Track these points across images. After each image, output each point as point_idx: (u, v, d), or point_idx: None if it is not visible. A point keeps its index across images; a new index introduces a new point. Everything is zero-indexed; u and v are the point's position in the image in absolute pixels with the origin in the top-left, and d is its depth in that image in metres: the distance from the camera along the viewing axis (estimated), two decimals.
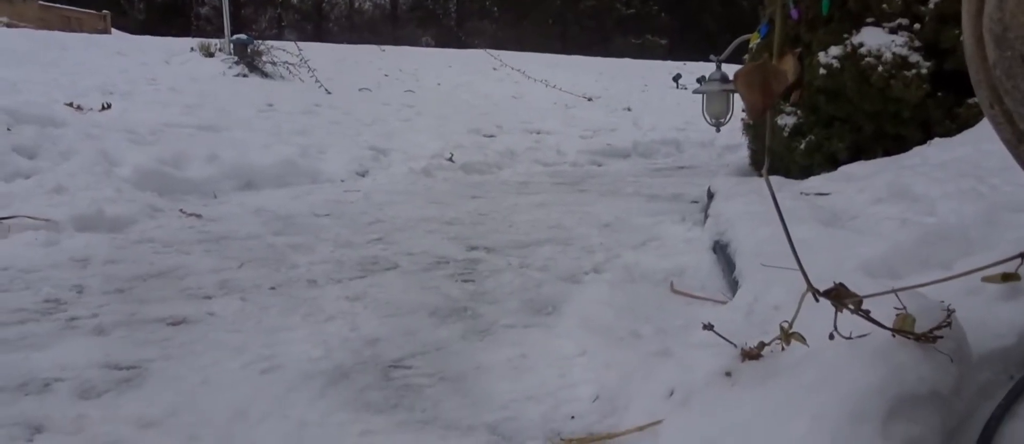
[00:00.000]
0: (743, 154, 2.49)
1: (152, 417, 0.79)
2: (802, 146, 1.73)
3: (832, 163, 1.75)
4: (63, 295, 1.26)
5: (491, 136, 4.73)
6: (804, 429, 0.57)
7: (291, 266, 1.49)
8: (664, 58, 16.75)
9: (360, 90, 6.74)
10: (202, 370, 0.91)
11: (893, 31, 1.65)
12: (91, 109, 3.92)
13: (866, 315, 0.64)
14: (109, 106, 4.02)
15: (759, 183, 1.84)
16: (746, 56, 2.29)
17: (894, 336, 0.64)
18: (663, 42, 20.24)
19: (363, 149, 3.57)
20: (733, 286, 1.17)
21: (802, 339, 0.67)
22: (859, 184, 1.46)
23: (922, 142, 1.58)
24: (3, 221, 1.67)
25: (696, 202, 2.66)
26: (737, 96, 2.87)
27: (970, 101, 1.56)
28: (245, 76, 6.96)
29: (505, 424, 0.76)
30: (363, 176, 3.21)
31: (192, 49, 8.49)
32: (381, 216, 2.16)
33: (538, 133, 5.03)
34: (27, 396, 0.84)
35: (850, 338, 0.63)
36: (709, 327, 0.89)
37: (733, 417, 0.64)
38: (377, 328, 1.07)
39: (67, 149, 2.27)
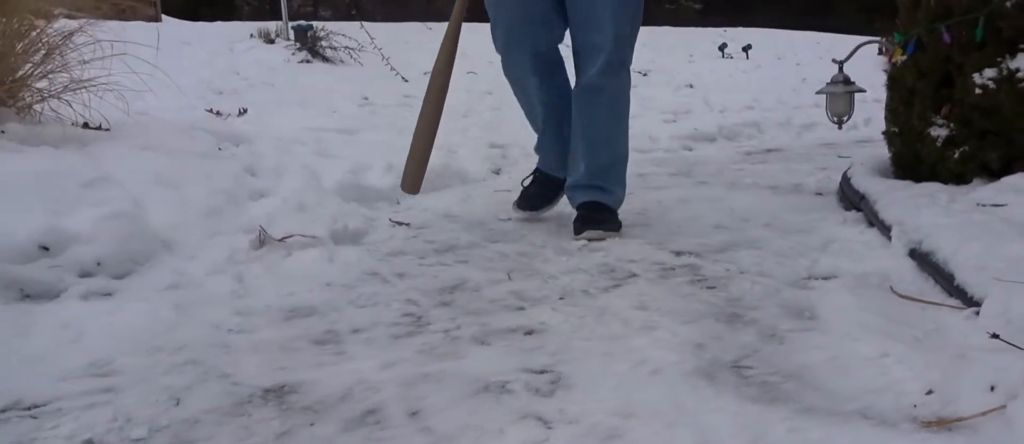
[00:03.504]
0: (874, 152, 2.74)
1: (596, 412, 1.09)
2: (956, 155, 1.98)
3: (985, 172, 2.00)
4: (414, 310, 1.55)
5: None
6: None
7: (547, 276, 1.79)
8: (698, 24, 16.76)
9: (426, 74, 6.89)
10: (608, 375, 1.20)
11: None
12: (230, 114, 4.21)
13: None
14: (245, 111, 4.31)
15: (919, 187, 2.11)
16: (885, 69, 2.55)
17: None
18: (697, 7, 20.27)
19: (483, 145, 3.85)
20: (954, 294, 1.45)
21: None
22: None
23: None
24: (283, 240, 1.98)
25: (820, 194, 2.93)
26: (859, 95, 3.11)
27: None
28: (309, 62, 7.19)
29: (868, 410, 1.05)
30: (498, 174, 3.51)
31: (252, 35, 8.71)
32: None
33: None
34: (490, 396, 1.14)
35: None
36: (995, 336, 1.17)
37: None
38: (689, 333, 1.37)
39: (277, 165, 2.58)
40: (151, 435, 1.05)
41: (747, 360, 1.24)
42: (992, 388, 1.04)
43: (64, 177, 1.92)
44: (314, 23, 8.76)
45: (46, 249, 1.70)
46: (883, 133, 2.50)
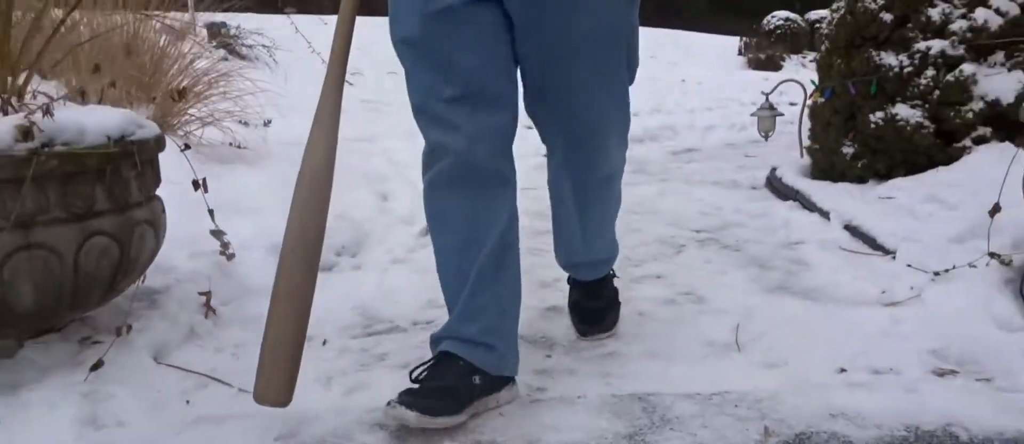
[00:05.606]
0: (788, 157, 3.94)
1: None
2: (859, 165, 3.17)
3: (877, 176, 3.20)
4: None
5: None
6: None
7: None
8: None
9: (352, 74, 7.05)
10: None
11: (914, 107, 3.09)
12: (257, 124, 4.89)
13: None
14: (270, 122, 4.98)
15: (837, 186, 3.28)
16: (807, 105, 3.74)
17: None
18: None
19: None
20: (877, 248, 2.58)
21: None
22: (907, 193, 2.92)
23: (928, 169, 3.04)
24: None
25: (755, 188, 4.09)
26: (779, 119, 4.32)
27: (954, 145, 3.04)
28: (226, 59, 7.62)
29: (851, 299, 2.14)
30: None
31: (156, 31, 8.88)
32: None
33: None
34: None
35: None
36: (909, 265, 2.30)
37: None
38: (742, 272, 2.42)
39: (393, 189, 3.43)
40: None
41: (777, 283, 2.32)
42: (912, 287, 2.15)
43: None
44: (227, 19, 8.80)
45: None
46: (806, 149, 3.68)
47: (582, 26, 1.38)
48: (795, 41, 17.69)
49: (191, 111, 3.25)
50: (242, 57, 7.87)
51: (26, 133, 1.37)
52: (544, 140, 1.62)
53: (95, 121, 1.47)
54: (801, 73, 15.07)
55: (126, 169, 1.54)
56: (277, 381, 1.30)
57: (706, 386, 1.60)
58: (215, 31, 10.01)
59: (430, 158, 1.44)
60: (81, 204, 1.47)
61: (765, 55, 14.85)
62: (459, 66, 1.35)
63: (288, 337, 1.30)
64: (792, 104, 5.10)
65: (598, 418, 1.47)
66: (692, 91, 9.10)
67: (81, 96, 1.68)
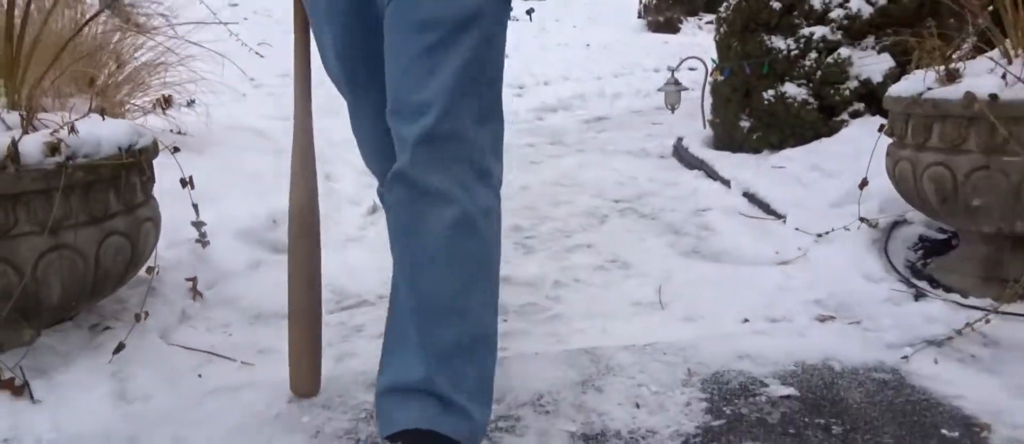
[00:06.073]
0: (693, 128, 4.35)
1: None
2: (755, 137, 3.60)
3: (771, 147, 3.63)
4: None
5: None
6: None
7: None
8: None
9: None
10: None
11: (800, 86, 3.52)
12: (182, 105, 4.94)
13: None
14: (193, 102, 5.00)
15: (736, 157, 3.70)
16: (708, 82, 4.14)
17: None
18: None
19: None
20: (771, 213, 2.99)
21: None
22: (796, 162, 3.36)
23: (813, 140, 3.49)
24: None
25: (663, 157, 4.49)
26: (686, 94, 4.72)
27: (834, 119, 3.49)
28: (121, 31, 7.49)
29: (749, 260, 2.54)
30: None
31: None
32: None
33: None
34: None
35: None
36: (797, 229, 2.71)
37: None
38: (661, 239, 2.79)
39: (335, 170, 3.63)
40: None
41: (690, 247, 2.70)
42: (799, 247, 2.56)
43: (262, 175, 2.92)
44: None
45: (275, 222, 2.76)
46: (709, 122, 4.09)
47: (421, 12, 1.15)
48: (691, 4, 18.41)
49: (134, 101, 3.35)
50: (139, 27, 7.74)
51: (54, 149, 1.55)
52: None
53: (108, 134, 1.66)
54: (698, 35, 15.77)
55: (133, 174, 1.74)
56: (308, 377, 1.61)
57: (638, 339, 1.95)
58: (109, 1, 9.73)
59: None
60: (99, 208, 1.66)
61: (664, 18, 15.40)
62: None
63: (309, 339, 1.57)
64: (692, 69, 5.49)
65: (555, 369, 1.79)
66: (598, 57, 9.50)
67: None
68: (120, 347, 1.71)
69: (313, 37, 1.44)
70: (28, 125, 1.60)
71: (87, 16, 2.83)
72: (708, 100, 4.25)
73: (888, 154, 2.29)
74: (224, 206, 2.70)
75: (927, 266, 2.34)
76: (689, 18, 17.35)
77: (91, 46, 3.21)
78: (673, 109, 4.59)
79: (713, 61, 4.06)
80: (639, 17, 15.91)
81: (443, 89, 1.11)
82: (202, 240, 2.25)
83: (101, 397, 1.62)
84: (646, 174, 3.94)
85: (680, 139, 4.40)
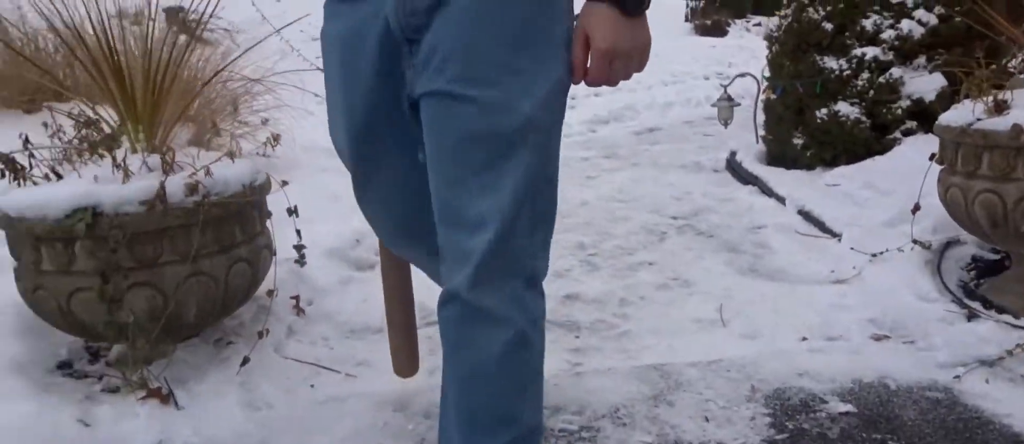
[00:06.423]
0: (745, 141, 4.48)
1: None
2: (808, 154, 3.73)
3: (824, 163, 3.76)
4: None
5: None
6: None
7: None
8: None
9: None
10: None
11: (852, 105, 3.64)
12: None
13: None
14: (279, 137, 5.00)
15: (790, 174, 3.83)
16: (760, 99, 4.27)
17: None
18: None
19: None
20: (825, 231, 3.12)
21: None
22: (850, 180, 3.48)
23: (866, 158, 3.61)
24: None
25: (717, 171, 4.62)
26: (737, 108, 4.85)
27: (887, 137, 3.61)
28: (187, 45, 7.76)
29: (808, 278, 2.68)
30: None
31: (111, 17, 8.89)
32: None
33: None
34: None
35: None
36: (852, 248, 2.85)
37: None
38: (720, 256, 2.95)
39: None
40: None
41: (748, 266, 2.85)
42: (854, 266, 2.69)
43: (341, 196, 3.15)
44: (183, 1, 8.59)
45: (358, 241, 2.98)
46: (762, 137, 4.22)
47: (475, 127, 1.08)
48: (739, 5, 18.36)
49: (235, 131, 3.62)
50: (204, 42, 8.08)
51: (193, 189, 1.78)
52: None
53: (234, 173, 1.89)
54: (746, 38, 15.72)
55: (253, 208, 1.97)
56: (408, 361, 1.87)
57: (703, 355, 2.12)
58: (173, 15, 10.12)
59: None
60: (228, 238, 1.89)
61: (711, 20, 15.42)
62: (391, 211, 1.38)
63: (405, 326, 1.82)
64: (740, 75, 5.55)
65: (628, 384, 1.97)
66: (647, 63, 9.60)
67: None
68: (246, 360, 1.94)
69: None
70: (169, 168, 1.84)
71: (214, 63, 3.08)
72: (760, 116, 4.38)
73: (940, 180, 2.42)
74: (313, 227, 2.92)
75: (979, 286, 2.45)
76: (736, 21, 17.33)
77: (213, 92, 3.48)
78: (726, 124, 4.72)
79: (765, 78, 4.18)
80: (686, 20, 15.94)
81: (500, 208, 1.07)
82: (301, 261, 2.48)
83: (232, 405, 1.84)
84: (701, 189, 4.08)
85: (733, 153, 4.53)
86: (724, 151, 4.78)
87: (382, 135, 1.23)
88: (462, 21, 1.06)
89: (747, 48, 12.57)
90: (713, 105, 4.80)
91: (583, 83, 1.13)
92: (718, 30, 14.90)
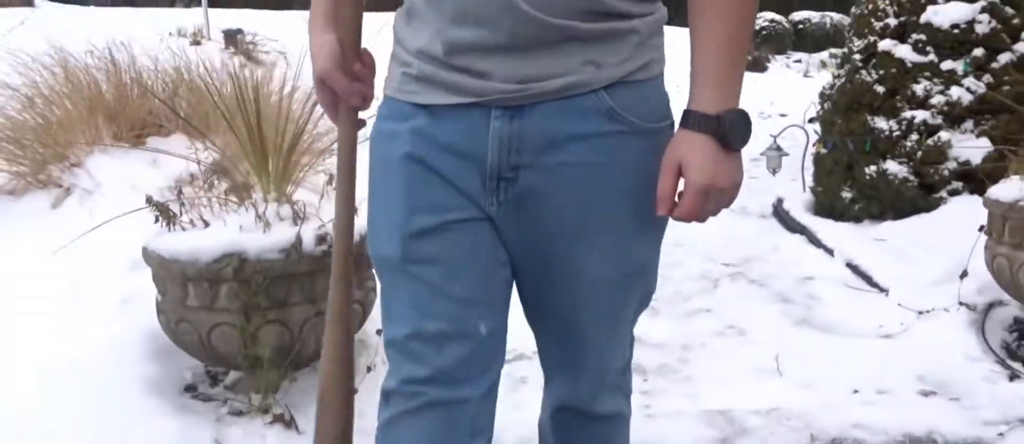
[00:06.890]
0: (791, 189, 4.67)
1: None
2: (856, 208, 3.91)
3: (871, 218, 3.93)
4: None
5: None
6: None
7: None
8: None
9: None
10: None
11: (901, 164, 3.81)
12: None
13: None
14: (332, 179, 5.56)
15: (837, 226, 4.01)
16: (812, 149, 4.46)
17: None
18: None
19: None
20: (873, 286, 3.30)
21: None
22: (898, 236, 3.66)
23: (912, 214, 3.77)
24: None
25: (764, 217, 4.82)
26: (786, 158, 5.05)
27: (933, 196, 3.77)
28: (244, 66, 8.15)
29: (855, 332, 2.86)
30: None
31: (171, 34, 9.17)
32: None
33: None
34: None
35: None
36: (899, 304, 3.02)
37: None
38: (771, 306, 3.14)
39: None
40: None
41: (801, 317, 3.04)
42: (902, 323, 2.87)
43: None
44: (242, 24, 8.86)
45: None
46: (810, 188, 4.41)
47: (589, 274, 1.10)
48: (780, 42, 18.50)
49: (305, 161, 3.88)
50: (259, 63, 8.44)
51: (322, 239, 2.04)
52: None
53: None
54: (786, 74, 15.85)
55: (364, 254, 2.22)
56: None
57: (763, 403, 2.31)
58: (231, 38, 10.53)
59: (396, 395, 1.17)
60: None
61: (752, 57, 15.62)
62: (447, 298, 1.08)
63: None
64: (782, 115, 5.71)
65: (697, 428, 2.17)
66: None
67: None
68: (354, 391, 2.18)
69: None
70: (300, 219, 2.09)
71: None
72: (809, 167, 4.57)
73: (987, 248, 2.60)
74: None
75: (1021, 348, 2.62)
76: (777, 56, 17.46)
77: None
78: (775, 172, 4.91)
79: (816, 132, 4.38)
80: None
81: (616, 342, 1.23)
82: None
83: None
84: (750, 235, 4.27)
85: (780, 200, 4.71)
86: (769, 196, 4.96)
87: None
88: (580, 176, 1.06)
89: (787, 84, 12.72)
90: (762, 153, 4.99)
91: (670, 217, 1.03)
92: (758, 67, 15.08)
